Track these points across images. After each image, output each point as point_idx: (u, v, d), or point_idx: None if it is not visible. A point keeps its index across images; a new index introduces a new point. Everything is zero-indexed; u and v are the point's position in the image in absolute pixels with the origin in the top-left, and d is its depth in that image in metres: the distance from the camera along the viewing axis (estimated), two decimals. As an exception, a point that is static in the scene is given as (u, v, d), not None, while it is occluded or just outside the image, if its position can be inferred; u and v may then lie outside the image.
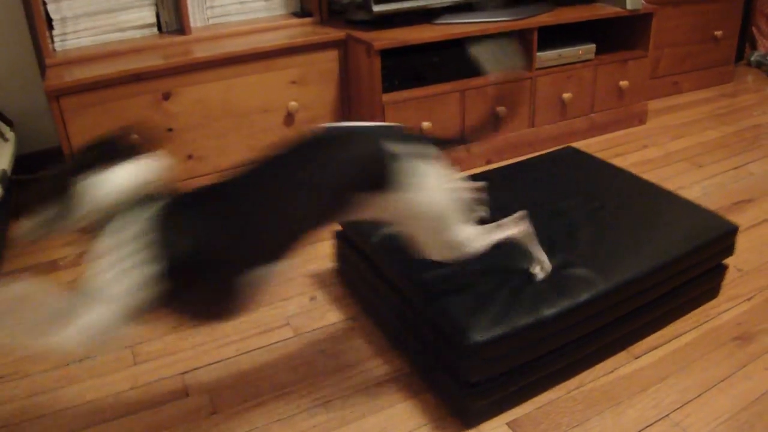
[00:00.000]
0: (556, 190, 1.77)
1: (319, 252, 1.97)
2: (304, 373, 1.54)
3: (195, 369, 1.57)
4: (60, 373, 1.58)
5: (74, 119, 2.05)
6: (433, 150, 1.22)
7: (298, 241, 1.14)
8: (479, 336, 1.28)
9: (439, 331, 1.37)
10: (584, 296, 1.38)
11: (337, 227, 1.76)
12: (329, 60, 2.32)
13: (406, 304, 1.49)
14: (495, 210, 1.44)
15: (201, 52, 2.20)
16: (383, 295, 1.58)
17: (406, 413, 1.42)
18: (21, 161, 2.14)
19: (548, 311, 1.34)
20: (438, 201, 1.21)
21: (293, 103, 2.28)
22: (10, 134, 2.27)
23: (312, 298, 1.79)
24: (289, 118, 2.31)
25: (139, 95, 2.09)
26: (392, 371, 1.54)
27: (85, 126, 2.07)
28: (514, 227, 1.37)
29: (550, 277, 1.43)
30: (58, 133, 2.05)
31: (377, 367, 1.55)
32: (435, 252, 1.27)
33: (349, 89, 2.36)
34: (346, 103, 2.38)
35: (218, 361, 1.59)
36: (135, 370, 1.59)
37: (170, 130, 2.16)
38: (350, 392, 1.48)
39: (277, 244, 1.12)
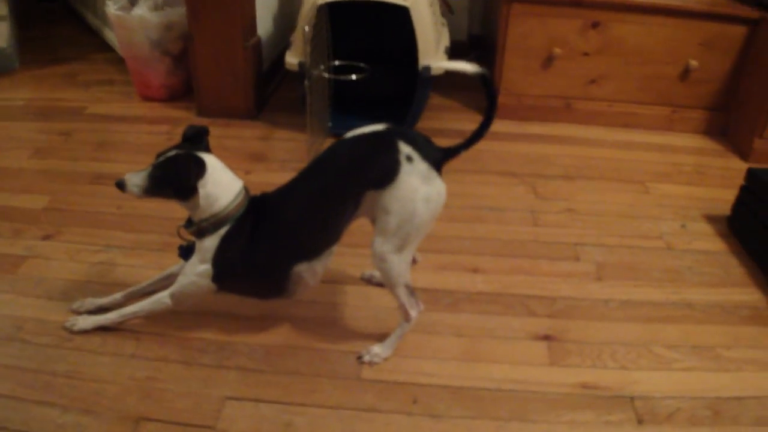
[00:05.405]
0: None
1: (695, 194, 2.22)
2: (671, 277, 1.82)
3: (584, 244, 1.93)
4: (472, 213, 2.05)
5: (515, 22, 2.47)
6: (439, 157, 1.38)
7: (329, 242, 1.43)
8: None
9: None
10: None
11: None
12: (738, 34, 2.46)
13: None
14: None
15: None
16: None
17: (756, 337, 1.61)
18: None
19: None
20: (416, 210, 1.35)
21: (694, 62, 2.49)
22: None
23: (683, 226, 2.05)
24: (685, 74, 2.53)
25: (573, 18, 2.45)
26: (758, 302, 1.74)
27: (519, 31, 2.48)
28: (412, 309, 1.47)
29: None
30: (499, 29, 2.48)
31: (744, 294, 1.76)
32: (379, 249, 1.39)
33: (746, 64, 2.50)
34: (737, 77, 2.52)
35: (602, 245, 1.93)
36: (535, 230, 1.99)
37: (586, 54, 2.49)
38: (713, 304, 1.72)
39: (313, 246, 1.43)
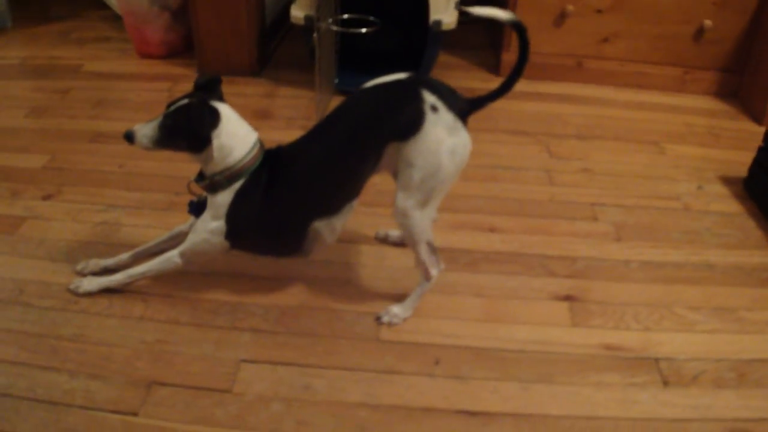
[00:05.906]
0: None
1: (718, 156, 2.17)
2: (690, 239, 1.78)
3: (602, 204, 1.89)
4: (486, 172, 2.00)
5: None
6: (465, 107, 1.31)
7: (349, 197, 1.37)
8: None
9: None
10: None
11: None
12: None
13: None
14: None
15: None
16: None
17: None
18: None
19: None
20: (441, 163, 1.27)
21: (708, 22, 2.42)
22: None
23: (699, 187, 2.00)
24: (699, 34, 2.46)
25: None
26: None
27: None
28: (433, 268, 1.41)
29: None
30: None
31: (763, 256, 1.73)
32: (401, 204, 1.32)
33: (761, 25, 2.43)
34: (752, 38, 2.46)
35: (620, 206, 1.89)
36: (551, 190, 1.94)
37: (599, 11, 2.42)
38: (732, 266, 1.68)
39: (332, 202, 1.36)
